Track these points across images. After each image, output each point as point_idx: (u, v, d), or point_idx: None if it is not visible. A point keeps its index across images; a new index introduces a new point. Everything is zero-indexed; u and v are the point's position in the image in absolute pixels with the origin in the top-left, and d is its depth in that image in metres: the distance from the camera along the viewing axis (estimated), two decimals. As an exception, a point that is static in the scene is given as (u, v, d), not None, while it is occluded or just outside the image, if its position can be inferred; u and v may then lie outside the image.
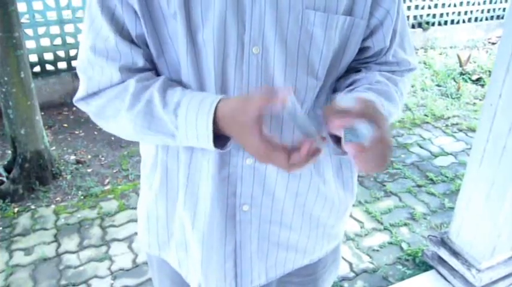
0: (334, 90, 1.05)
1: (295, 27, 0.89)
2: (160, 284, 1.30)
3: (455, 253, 2.52)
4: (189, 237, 1.09)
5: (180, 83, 0.94)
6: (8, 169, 3.50)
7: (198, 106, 0.84)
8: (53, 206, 3.34)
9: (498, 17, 7.60)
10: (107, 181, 3.67)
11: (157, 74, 0.97)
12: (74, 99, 0.99)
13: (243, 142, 0.83)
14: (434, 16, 6.99)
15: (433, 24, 7.02)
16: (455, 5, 7.11)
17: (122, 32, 0.90)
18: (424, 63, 6.39)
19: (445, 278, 2.58)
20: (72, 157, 3.98)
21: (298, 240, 1.13)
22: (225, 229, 1.05)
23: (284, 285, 1.23)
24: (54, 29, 4.79)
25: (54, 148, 4.07)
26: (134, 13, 0.89)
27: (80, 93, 0.97)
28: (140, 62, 0.92)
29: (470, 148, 4.01)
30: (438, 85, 5.73)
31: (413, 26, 6.87)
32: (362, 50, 1.03)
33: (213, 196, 1.01)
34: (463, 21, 7.30)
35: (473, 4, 7.27)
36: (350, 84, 1.03)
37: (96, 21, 0.91)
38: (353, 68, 1.06)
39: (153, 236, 1.17)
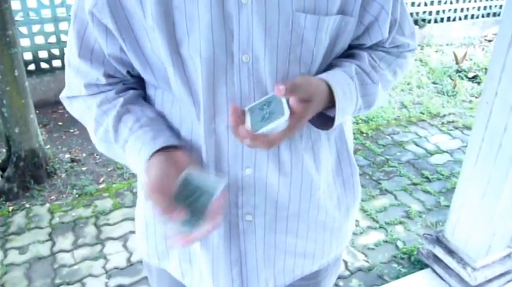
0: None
1: (286, 31, 0.86)
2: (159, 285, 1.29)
3: (450, 252, 2.52)
4: (194, 247, 1.07)
5: (172, 93, 0.95)
6: (2, 168, 3.49)
7: (138, 154, 0.92)
8: (47, 204, 3.33)
9: (494, 14, 7.60)
10: (102, 179, 3.66)
11: (141, 84, 1.04)
12: (61, 95, 1.08)
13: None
14: (430, 13, 6.98)
15: (429, 21, 7.02)
16: (451, 2, 7.10)
17: (92, 51, 0.95)
18: (420, 60, 6.39)
19: (441, 277, 2.58)
20: (67, 156, 3.96)
21: (305, 246, 1.11)
22: (229, 238, 1.04)
23: None
24: (49, 27, 4.76)
25: (48, 146, 4.05)
26: (105, 32, 0.91)
27: (64, 91, 1.07)
28: (103, 80, 0.98)
29: (466, 146, 4.00)
30: (434, 83, 5.73)
31: (409, 24, 6.86)
32: (360, 45, 1.03)
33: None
34: (459, 19, 7.30)
35: (469, 1, 7.26)
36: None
37: (70, 37, 0.97)
38: (350, 54, 1.05)
39: (152, 247, 1.15)
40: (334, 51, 0.97)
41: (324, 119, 0.95)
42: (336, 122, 0.92)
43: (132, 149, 0.93)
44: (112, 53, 0.93)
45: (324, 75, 0.91)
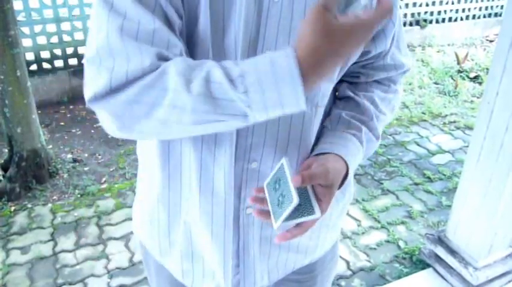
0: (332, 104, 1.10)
1: None
2: (159, 283, 1.28)
3: (452, 251, 2.52)
4: (196, 245, 1.08)
5: None
6: (4, 168, 3.49)
7: (272, 70, 0.70)
8: (49, 204, 3.34)
9: (496, 15, 7.60)
10: (104, 179, 3.67)
11: None
12: (89, 98, 0.81)
13: (342, 44, 0.70)
14: (432, 14, 6.98)
15: (430, 21, 7.01)
16: (452, 3, 7.10)
17: (166, 16, 0.79)
18: (422, 61, 6.39)
19: (442, 277, 2.58)
20: (69, 156, 3.97)
21: (299, 241, 1.13)
22: (231, 230, 1.04)
23: (282, 282, 1.23)
24: (51, 27, 4.77)
25: (50, 146, 4.06)
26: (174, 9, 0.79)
27: (97, 89, 0.78)
28: (177, 50, 0.79)
29: (467, 146, 4.00)
30: (436, 83, 5.73)
31: (411, 24, 6.86)
32: (363, 53, 1.03)
33: (218, 198, 1.00)
34: (461, 19, 7.30)
35: (470, 2, 7.25)
36: (344, 98, 1.10)
37: (122, 3, 0.76)
38: (353, 72, 1.08)
39: (155, 242, 1.15)
40: (350, 59, 0.99)
41: None
42: (341, 187, 0.98)
43: (259, 72, 0.70)
44: (178, 25, 0.81)
45: (341, 150, 0.97)
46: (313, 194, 0.87)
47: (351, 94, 1.09)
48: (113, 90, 0.77)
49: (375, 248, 2.96)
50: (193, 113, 0.73)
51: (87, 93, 0.80)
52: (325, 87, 0.99)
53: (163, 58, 0.76)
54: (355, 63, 1.04)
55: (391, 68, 1.10)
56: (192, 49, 0.85)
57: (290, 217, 0.82)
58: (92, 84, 0.79)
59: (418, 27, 6.92)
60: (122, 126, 0.81)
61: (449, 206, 2.92)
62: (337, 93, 1.11)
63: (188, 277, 1.14)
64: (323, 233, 1.16)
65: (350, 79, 1.11)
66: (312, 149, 1.02)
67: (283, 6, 0.85)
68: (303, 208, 0.84)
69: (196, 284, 1.15)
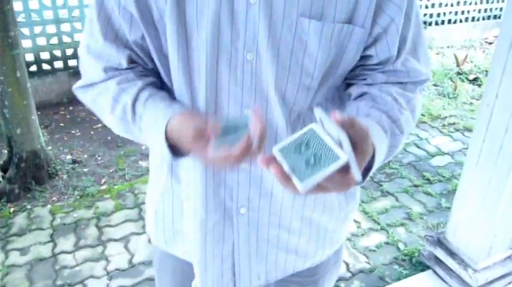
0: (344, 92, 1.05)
1: (289, 35, 0.87)
2: (160, 277, 1.32)
3: (451, 253, 2.52)
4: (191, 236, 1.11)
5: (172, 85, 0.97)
6: (3, 169, 3.49)
7: (153, 126, 0.89)
8: (49, 206, 3.33)
9: (495, 17, 7.61)
10: (103, 180, 3.66)
11: (157, 75, 1.01)
12: (74, 86, 1.06)
13: (189, 151, 0.85)
14: (431, 16, 6.99)
15: (430, 24, 7.02)
16: (452, 5, 7.11)
17: (116, 35, 0.95)
18: (421, 63, 6.38)
19: (442, 279, 2.58)
20: (69, 157, 3.97)
21: (297, 243, 1.13)
22: (222, 230, 1.06)
23: (283, 284, 1.23)
24: (51, 28, 4.78)
25: (50, 147, 4.06)
26: (130, 18, 0.91)
27: (79, 82, 1.04)
28: (124, 63, 0.96)
29: (467, 148, 4.00)
30: (435, 85, 5.74)
31: (410, 26, 6.87)
32: (365, 57, 0.98)
33: (209, 198, 1.02)
34: (460, 21, 7.31)
35: (470, 4, 7.27)
36: (359, 96, 1.00)
37: (93, 23, 0.95)
38: (359, 75, 1.02)
39: (160, 233, 1.19)
40: (340, 66, 0.95)
41: None
42: (365, 180, 0.85)
43: (149, 120, 0.90)
44: (135, 39, 0.94)
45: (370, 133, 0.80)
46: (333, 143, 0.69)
47: (366, 89, 1.00)
48: (85, 85, 1.03)
49: (374, 250, 2.96)
50: (116, 129, 1.01)
51: (76, 83, 1.06)
52: (303, 95, 0.95)
53: (114, 69, 0.97)
54: (360, 66, 1.00)
55: (404, 74, 1.00)
56: (166, 54, 0.94)
57: (313, 172, 0.66)
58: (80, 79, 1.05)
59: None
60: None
61: (449, 208, 2.92)
62: (350, 93, 1.03)
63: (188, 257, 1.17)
64: (321, 237, 1.16)
65: (360, 81, 1.03)
66: None
67: (261, 9, 0.85)
68: (324, 157, 0.67)
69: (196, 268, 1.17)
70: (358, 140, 0.70)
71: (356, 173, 0.68)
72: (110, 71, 0.97)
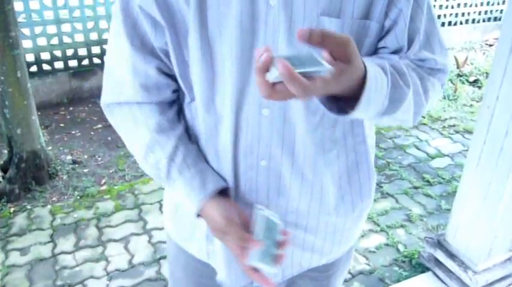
0: None
1: None
2: (173, 272, 1.35)
3: (451, 255, 2.52)
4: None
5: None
6: (4, 169, 3.49)
7: (187, 197, 1.02)
8: (49, 206, 3.34)
9: (495, 19, 7.62)
10: (104, 181, 3.67)
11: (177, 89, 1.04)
12: (101, 103, 1.07)
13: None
14: (431, 18, 6.99)
15: (430, 25, 7.02)
16: (452, 7, 7.11)
17: (142, 43, 0.96)
18: (421, 64, 6.39)
19: (442, 280, 2.58)
20: (69, 157, 3.97)
21: (314, 242, 1.14)
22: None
23: (297, 278, 1.25)
24: (51, 29, 4.78)
25: (50, 147, 4.06)
26: (154, 24, 0.92)
27: (107, 97, 1.06)
28: (153, 75, 0.98)
29: (467, 150, 4.01)
30: (435, 87, 5.73)
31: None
32: (377, 49, 0.98)
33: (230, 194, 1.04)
34: (460, 23, 7.32)
35: (470, 6, 7.27)
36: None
37: (119, 34, 0.96)
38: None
39: (179, 229, 1.21)
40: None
41: (339, 109, 0.82)
42: (355, 112, 0.78)
43: (182, 190, 1.02)
44: (160, 46, 0.95)
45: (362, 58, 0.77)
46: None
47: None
48: (114, 104, 1.05)
49: (374, 252, 2.96)
50: (144, 168, 1.08)
51: (102, 98, 1.08)
52: None
53: (144, 87, 0.99)
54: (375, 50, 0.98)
55: (417, 61, 0.99)
56: (185, 61, 0.95)
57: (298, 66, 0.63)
58: (104, 92, 1.06)
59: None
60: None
61: (449, 209, 2.93)
62: None
63: (213, 257, 1.17)
64: (338, 237, 1.17)
65: None
66: None
67: (280, 11, 0.86)
68: (309, 62, 0.65)
69: (219, 265, 1.18)
70: (341, 50, 0.67)
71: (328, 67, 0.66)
72: (140, 92, 1.00)
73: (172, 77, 1.00)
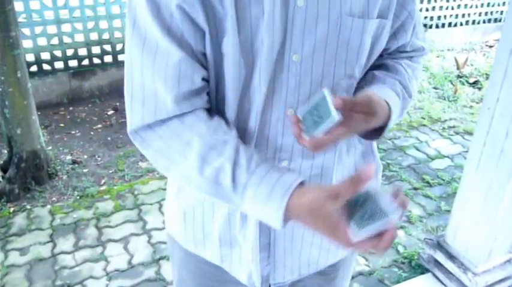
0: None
1: (334, 34, 0.91)
2: (181, 276, 1.32)
3: (451, 256, 2.52)
4: (234, 232, 1.11)
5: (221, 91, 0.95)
6: (3, 169, 3.49)
7: (268, 197, 0.81)
8: (48, 206, 3.33)
9: (496, 20, 7.62)
10: (103, 181, 3.66)
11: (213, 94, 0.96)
12: (129, 130, 0.93)
13: (321, 233, 0.81)
14: (431, 19, 7.00)
15: (430, 26, 7.03)
16: (452, 8, 7.11)
17: (182, 46, 0.86)
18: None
19: (441, 282, 2.58)
20: (68, 157, 3.97)
21: (328, 243, 1.15)
22: (259, 224, 1.07)
23: (305, 278, 1.25)
24: (51, 29, 4.78)
25: (50, 147, 4.06)
26: (192, 25, 0.86)
27: (134, 122, 0.91)
28: (199, 82, 0.89)
29: (466, 151, 4.01)
30: (435, 88, 5.74)
31: (410, 29, 6.88)
32: (385, 49, 1.09)
33: None
34: (461, 24, 7.32)
35: (470, 7, 7.27)
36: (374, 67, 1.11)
37: (150, 36, 0.86)
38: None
39: (190, 234, 1.19)
40: (373, 53, 1.02)
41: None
42: (381, 137, 1.01)
43: (260, 193, 0.83)
44: (199, 48, 0.88)
45: (382, 94, 0.97)
46: (332, 101, 0.83)
47: (380, 61, 1.11)
48: (144, 127, 0.90)
49: (373, 253, 2.95)
50: (199, 188, 0.90)
51: (128, 126, 0.93)
52: (344, 90, 1.02)
53: (186, 97, 0.88)
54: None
55: (411, 52, 1.15)
56: (220, 60, 0.90)
57: (365, 223, 0.76)
58: (130, 117, 0.92)
59: (418, 32, 6.92)
60: (155, 166, 0.96)
61: (448, 211, 2.92)
62: None
63: (226, 261, 1.17)
64: None
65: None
66: None
67: (307, 12, 0.88)
68: (376, 213, 0.76)
69: (234, 268, 1.18)
70: (365, 109, 0.88)
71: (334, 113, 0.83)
72: (180, 103, 0.88)
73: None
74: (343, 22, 0.91)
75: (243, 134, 0.97)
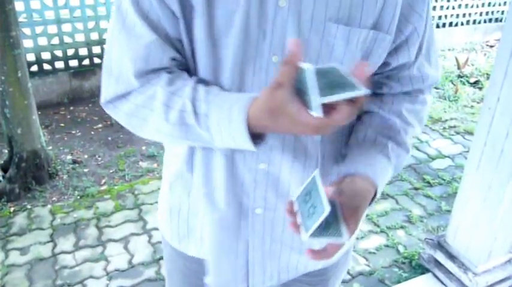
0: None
1: (316, 39, 0.88)
2: (171, 275, 1.34)
3: (451, 256, 2.52)
4: (205, 231, 1.11)
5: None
6: (4, 168, 3.49)
7: (229, 117, 0.81)
8: (49, 205, 3.33)
9: (496, 20, 7.62)
10: (104, 181, 3.66)
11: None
12: (102, 101, 0.97)
13: (287, 128, 0.76)
14: (432, 18, 6.99)
15: (431, 26, 7.02)
16: (453, 8, 7.11)
17: (157, 29, 0.89)
18: (422, 65, 6.39)
19: (442, 282, 2.58)
20: (69, 157, 3.97)
21: (311, 244, 1.12)
22: (238, 227, 1.06)
23: (293, 283, 1.23)
24: (52, 29, 4.78)
25: (50, 147, 4.06)
26: (168, 12, 0.88)
27: (107, 94, 0.95)
28: (167, 62, 0.92)
29: (467, 151, 4.01)
30: (436, 88, 5.73)
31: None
32: (385, 64, 1.00)
33: (227, 197, 1.02)
34: (462, 24, 7.31)
35: (471, 7, 7.27)
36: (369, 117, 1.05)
37: (129, 20, 0.90)
38: (376, 82, 1.05)
39: (174, 230, 1.19)
40: None
41: None
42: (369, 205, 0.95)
43: (220, 114, 0.83)
44: (174, 34, 0.90)
45: (368, 171, 0.94)
46: (342, 216, 0.84)
47: (376, 109, 1.05)
48: (118, 97, 0.94)
49: (374, 253, 2.96)
50: (172, 137, 0.92)
51: (101, 96, 0.97)
52: None
53: (149, 72, 0.91)
54: (376, 73, 1.03)
55: (418, 80, 1.05)
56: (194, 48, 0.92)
57: (319, 233, 0.79)
58: (104, 89, 0.96)
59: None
60: (130, 129, 0.98)
61: (449, 211, 2.92)
62: (362, 111, 1.07)
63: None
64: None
65: (374, 89, 1.06)
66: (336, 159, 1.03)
67: (289, 13, 0.86)
68: (332, 228, 0.82)
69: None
70: (348, 202, 0.86)
71: (345, 235, 0.82)
72: (147, 74, 0.92)
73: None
74: (326, 28, 0.87)
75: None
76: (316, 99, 0.68)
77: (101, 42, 5.04)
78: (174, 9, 0.88)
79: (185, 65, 0.95)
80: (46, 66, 4.88)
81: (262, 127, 0.79)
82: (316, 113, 0.69)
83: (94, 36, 5.02)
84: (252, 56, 0.89)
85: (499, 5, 7.51)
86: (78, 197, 3.44)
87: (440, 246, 2.59)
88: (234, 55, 0.88)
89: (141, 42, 0.90)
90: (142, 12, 0.89)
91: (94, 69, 5.05)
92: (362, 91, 0.69)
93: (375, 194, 0.94)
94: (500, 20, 7.60)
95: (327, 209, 0.76)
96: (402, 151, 1.03)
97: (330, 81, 0.70)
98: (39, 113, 3.72)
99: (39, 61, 4.82)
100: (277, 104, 0.72)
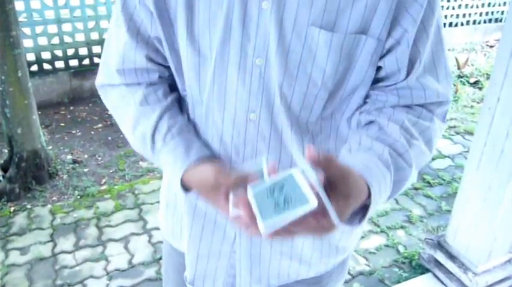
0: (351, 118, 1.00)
1: (298, 43, 0.86)
2: (167, 271, 1.36)
3: (451, 256, 2.52)
4: (188, 230, 1.12)
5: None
6: (4, 168, 3.49)
7: (173, 167, 0.95)
8: (49, 205, 3.33)
9: (496, 20, 7.62)
10: (104, 180, 3.66)
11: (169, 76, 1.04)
12: (97, 82, 1.07)
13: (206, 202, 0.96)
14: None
15: (431, 26, 7.02)
16: (453, 8, 7.11)
17: (138, 32, 0.97)
18: (422, 65, 6.39)
19: (442, 282, 2.58)
20: (69, 157, 3.97)
21: (302, 250, 1.11)
22: (224, 227, 1.06)
23: None
24: (52, 28, 4.78)
25: (50, 147, 4.06)
26: (150, 14, 0.93)
27: (101, 78, 1.06)
28: (141, 62, 0.99)
29: (467, 151, 4.01)
30: (436, 88, 5.73)
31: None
32: (377, 69, 0.93)
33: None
34: (461, 24, 7.32)
35: (471, 7, 7.27)
36: (366, 124, 0.96)
37: (118, 19, 0.98)
38: (371, 94, 0.97)
39: (169, 226, 1.21)
40: (352, 76, 0.91)
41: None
42: (364, 221, 0.81)
43: (167, 160, 0.97)
44: (155, 35, 0.96)
45: (362, 171, 0.79)
46: (309, 185, 0.67)
47: (373, 118, 0.94)
48: (109, 84, 1.05)
49: (374, 253, 2.96)
50: (134, 145, 1.06)
51: (97, 80, 1.08)
52: (309, 105, 0.93)
53: (133, 70, 1.01)
54: (372, 84, 0.95)
55: (418, 93, 0.94)
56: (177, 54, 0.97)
57: (276, 212, 0.66)
58: (98, 73, 1.07)
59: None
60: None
61: (449, 211, 2.92)
62: (360, 120, 0.98)
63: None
64: (326, 247, 1.13)
65: (372, 103, 0.96)
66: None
67: (272, 15, 0.85)
68: (294, 199, 0.66)
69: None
70: (336, 180, 0.69)
71: (333, 216, 0.65)
72: (129, 74, 1.01)
73: (162, 65, 1.01)
74: (309, 32, 0.84)
75: (206, 129, 1.02)
76: (261, 224, 0.65)
77: (101, 42, 5.04)
78: (152, 10, 0.92)
79: (167, 68, 1.02)
80: (46, 66, 4.88)
81: (193, 189, 0.94)
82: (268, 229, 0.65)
83: (94, 36, 5.02)
84: (237, 58, 0.89)
85: (499, 5, 7.52)
86: (78, 197, 3.44)
87: (440, 246, 2.59)
88: (217, 56, 0.89)
89: (121, 42, 0.98)
90: (128, 14, 0.96)
91: (94, 69, 5.05)
92: (310, 205, 0.64)
93: (369, 198, 0.78)
94: (500, 20, 7.60)
95: (313, 200, 0.64)
96: (403, 163, 0.89)
97: (281, 198, 0.67)
98: (39, 112, 3.72)
99: (39, 61, 4.82)
100: (207, 194, 0.88)
